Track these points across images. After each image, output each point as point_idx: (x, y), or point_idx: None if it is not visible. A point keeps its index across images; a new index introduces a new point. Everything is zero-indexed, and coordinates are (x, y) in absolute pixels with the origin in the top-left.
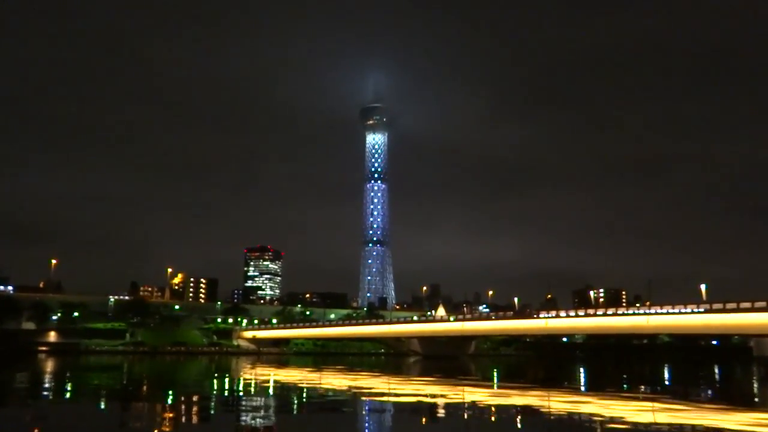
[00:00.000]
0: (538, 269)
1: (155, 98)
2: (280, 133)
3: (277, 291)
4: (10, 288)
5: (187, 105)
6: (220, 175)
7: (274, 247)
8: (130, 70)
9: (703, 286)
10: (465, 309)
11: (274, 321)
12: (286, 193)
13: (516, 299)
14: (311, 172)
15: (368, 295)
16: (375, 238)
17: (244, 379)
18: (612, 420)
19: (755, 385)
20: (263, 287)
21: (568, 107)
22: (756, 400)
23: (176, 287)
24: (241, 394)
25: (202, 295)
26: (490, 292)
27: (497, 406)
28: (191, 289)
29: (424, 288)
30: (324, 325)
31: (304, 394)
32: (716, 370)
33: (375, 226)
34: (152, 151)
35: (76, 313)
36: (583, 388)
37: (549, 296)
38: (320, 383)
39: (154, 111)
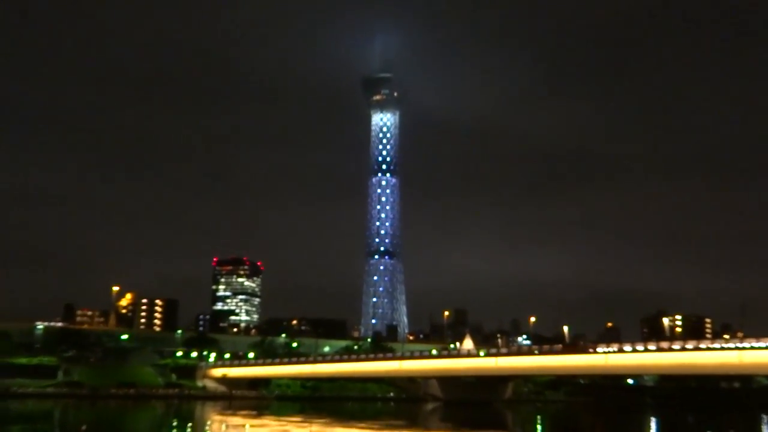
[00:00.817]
0: (594, 290)
1: (99, 70)
2: (260, 114)
3: (255, 316)
4: None
5: (140, 78)
6: (183, 168)
7: (252, 259)
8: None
9: None
10: (499, 341)
11: (251, 355)
12: (268, 189)
13: (566, 328)
14: (300, 163)
15: (373, 322)
16: (382, 249)
17: None
18: None
19: None
20: (237, 311)
21: (631, 83)
22: None
23: (124, 311)
24: None
25: (157, 322)
26: (532, 319)
27: None
28: (144, 314)
29: (446, 313)
30: (316, 361)
31: None
32: None
33: (382, 232)
34: (93, 137)
35: None
36: None
37: (609, 325)
38: None
39: (98, 86)
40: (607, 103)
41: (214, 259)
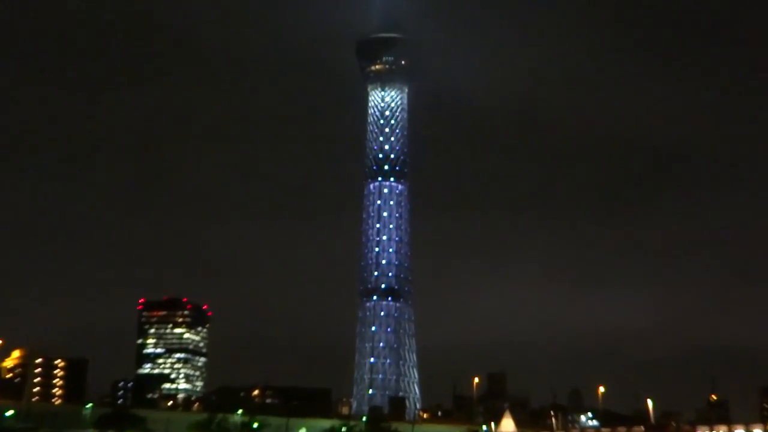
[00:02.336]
0: (690, 347)
1: None
2: (214, 98)
3: (200, 384)
4: None
5: (47, 52)
6: (102, 170)
7: (195, 300)
8: None
9: None
10: (554, 421)
11: None
12: (221, 201)
13: (650, 403)
14: (267, 165)
15: (371, 392)
16: (383, 286)
17: None
18: None
19: None
20: (173, 376)
21: (730, 55)
22: None
23: (10, 375)
24: None
25: (58, 391)
26: (601, 390)
27: None
28: (38, 380)
29: (476, 380)
30: None
31: None
32: None
33: (384, 262)
34: None
35: None
36: None
37: (713, 398)
38: None
39: None
40: (702, 83)
41: (141, 301)
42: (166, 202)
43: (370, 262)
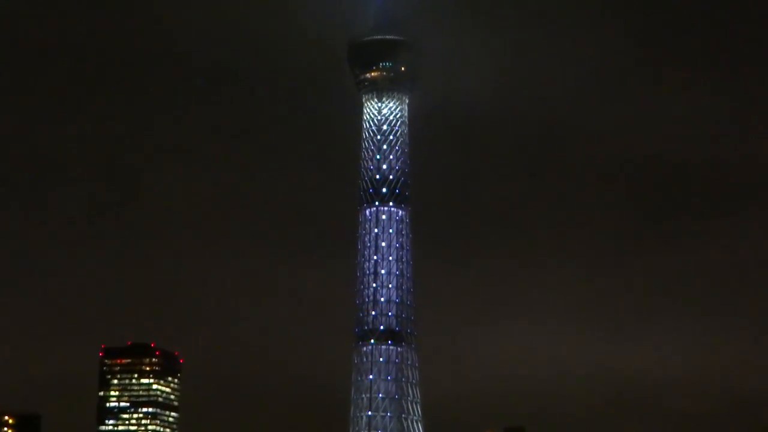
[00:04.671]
0: (739, 397)
1: None
2: (186, 109)
3: None
4: None
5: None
6: (59, 195)
7: (164, 346)
8: None
9: None
10: None
11: None
12: (193, 229)
13: None
14: (247, 187)
15: None
16: (382, 328)
17: None
18: None
19: None
20: None
21: None
22: None
23: None
24: None
25: None
26: None
27: None
28: None
29: None
30: None
31: None
32: None
33: (382, 300)
34: None
35: None
36: None
37: None
38: None
39: None
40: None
41: (102, 347)
42: (131, 232)
43: (367, 299)
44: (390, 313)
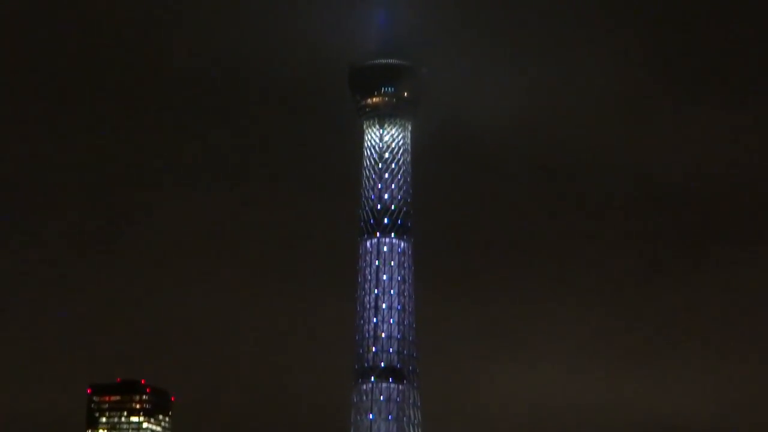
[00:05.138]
0: None
1: None
2: (182, 134)
3: None
4: None
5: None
6: (46, 220)
7: (155, 383)
8: None
9: None
10: None
11: None
12: (186, 259)
13: None
14: (241, 217)
15: None
16: (383, 365)
17: None
18: None
19: None
20: None
21: None
22: None
23: None
24: None
25: None
26: None
27: None
28: None
29: None
30: None
31: None
32: None
33: (384, 336)
34: None
35: None
36: None
37: None
38: None
39: None
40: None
41: (90, 384)
42: (121, 264)
43: (367, 335)
44: (391, 350)
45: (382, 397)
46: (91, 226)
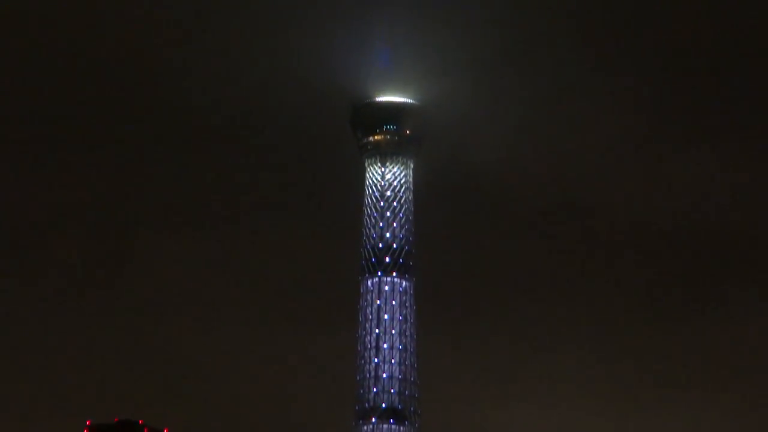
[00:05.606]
0: None
1: None
2: (178, 167)
3: None
4: None
5: None
6: (44, 256)
7: (153, 422)
8: None
9: None
10: None
11: None
12: (186, 298)
13: None
14: (239, 256)
15: None
16: (384, 405)
17: None
18: None
19: None
20: None
21: None
22: None
23: None
24: None
25: None
26: None
27: None
28: None
29: None
30: None
31: None
32: None
33: (385, 376)
34: None
35: None
36: None
37: None
38: None
39: None
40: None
41: (87, 424)
42: (119, 302)
43: (368, 375)
44: (393, 390)
45: None
46: (92, 264)
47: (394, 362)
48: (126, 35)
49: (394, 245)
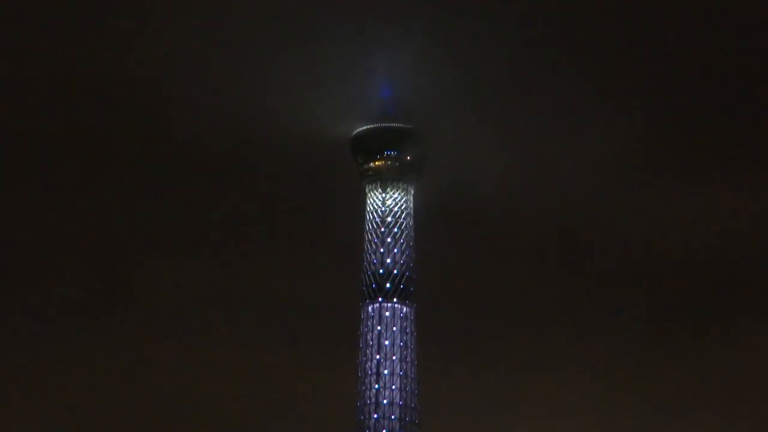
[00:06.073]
0: None
1: None
2: (178, 195)
3: None
4: None
5: None
6: (39, 291)
7: None
8: None
9: None
10: None
11: None
12: (184, 326)
13: None
14: (241, 280)
15: None
16: (384, 431)
17: None
18: None
19: None
20: None
21: None
22: None
23: None
24: None
25: None
26: None
27: None
28: None
29: None
30: None
31: None
32: None
33: (385, 402)
34: None
35: None
36: None
37: None
38: None
39: None
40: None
41: None
42: (118, 337)
43: (369, 401)
44: (393, 416)
45: None
46: (90, 295)
47: (395, 388)
48: (123, 66)
49: (395, 271)
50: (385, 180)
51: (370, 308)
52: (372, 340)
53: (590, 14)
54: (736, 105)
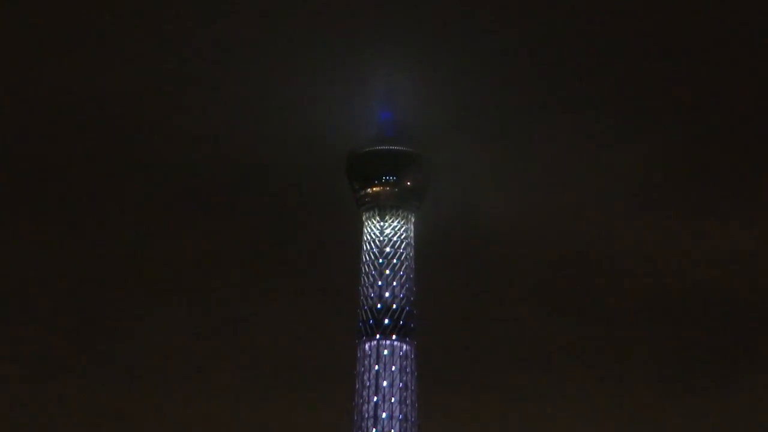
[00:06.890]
0: None
1: None
2: (161, 229)
3: None
4: None
5: None
6: (23, 332)
7: None
8: None
9: None
10: None
11: None
12: (176, 365)
13: None
14: (234, 310)
15: None
16: None
17: None
18: None
19: None
20: None
21: None
22: None
23: None
24: None
25: None
26: None
27: None
28: None
29: None
30: None
31: None
32: None
33: None
34: None
35: None
36: None
37: None
38: None
39: None
40: None
41: None
42: (109, 376)
43: None
44: None
45: None
46: (72, 340)
47: None
48: (115, 92)
49: (394, 306)
50: (383, 207)
51: (366, 346)
52: (369, 381)
53: (598, 39)
54: (762, 133)
